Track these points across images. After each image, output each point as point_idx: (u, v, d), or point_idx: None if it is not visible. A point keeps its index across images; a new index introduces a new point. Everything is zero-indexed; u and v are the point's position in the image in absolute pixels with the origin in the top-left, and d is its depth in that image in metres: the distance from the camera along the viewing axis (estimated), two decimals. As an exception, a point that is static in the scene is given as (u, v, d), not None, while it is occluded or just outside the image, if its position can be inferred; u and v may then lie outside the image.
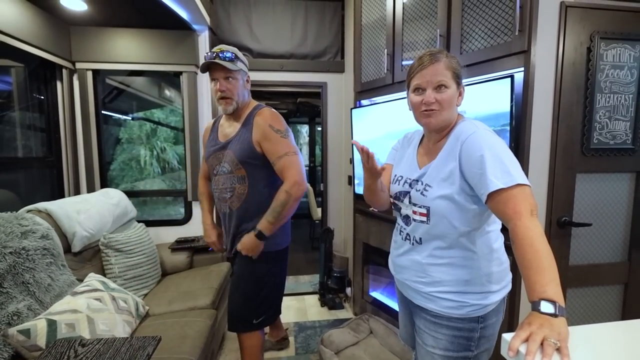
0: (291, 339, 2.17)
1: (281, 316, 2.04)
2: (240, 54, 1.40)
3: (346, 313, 2.56)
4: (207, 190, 1.66)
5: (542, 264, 0.68)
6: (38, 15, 1.92)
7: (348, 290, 2.66)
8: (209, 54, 1.32)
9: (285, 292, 1.78)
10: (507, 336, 0.63)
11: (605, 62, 1.36)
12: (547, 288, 0.65)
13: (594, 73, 1.35)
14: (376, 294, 2.35)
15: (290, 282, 3.10)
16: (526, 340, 0.59)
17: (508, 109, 1.30)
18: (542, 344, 0.58)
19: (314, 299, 2.78)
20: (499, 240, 0.93)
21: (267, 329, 1.83)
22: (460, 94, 0.91)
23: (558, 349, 0.57)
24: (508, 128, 1.31)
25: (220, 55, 1.31)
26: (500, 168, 0.77)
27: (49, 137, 2.19)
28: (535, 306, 0.64)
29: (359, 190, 2.25)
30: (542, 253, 0.69)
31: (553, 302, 0.63)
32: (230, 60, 1.32)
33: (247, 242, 1.36)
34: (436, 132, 0.93)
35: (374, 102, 2.16)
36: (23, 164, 2.10)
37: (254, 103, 1.46)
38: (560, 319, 0.62)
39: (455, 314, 0.89)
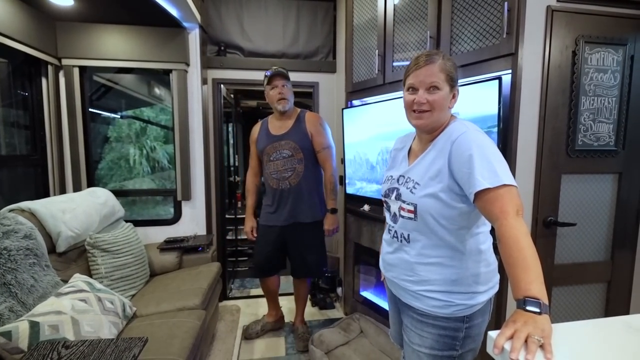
0: (282, 339, 2.17)
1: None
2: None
3: (337, 313, 2.57)
4: (254, 188, 2.15)
5: (526, 262, 0.69)
6: (22, 10, 1.87)
7: (339, 290, 2.67)
8: (272, 70, 1.90)
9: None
10: (492, 334, 0.64)
11: (589, 66, 1.39)
12: (531, 286, 0.66)
13: (579, 76, 1.38)
14: (367, 294, 2.36)
15: (281, 282, 3.08)
16: (511, 337, 0.60)
17: (496, 110, 1.32)
18: (526, 341, 0.59)
19: (304, 299, 2.77)
20: (487, 242, 0.94)
21: (266, 311, 2.32)
22: (454, 97, 0.92)
23: (542, 346, 0.58)
24: (496, 130, 1.33)
25: (280, 70, 1.90)
26: (488, 168, 0.78)
27: (33, 134, 2.14)
28: (519, 304, 0.66)
29: (350, 190, 2.26)
30: (527, 252, 0.70)
31: (537, 300, 0.64)
32: (287, 74, 1.92)
33: (330, 221, 1.96)
34: (426, 132, 0.94)
35: (365, 102, 2.17)
36: (6, 162, 2.04)
37: (298, 109, 2.01)
38: (544, 316, 0.63)
39: (441, 313, 0.90)
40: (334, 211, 1.94)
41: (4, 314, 1.15)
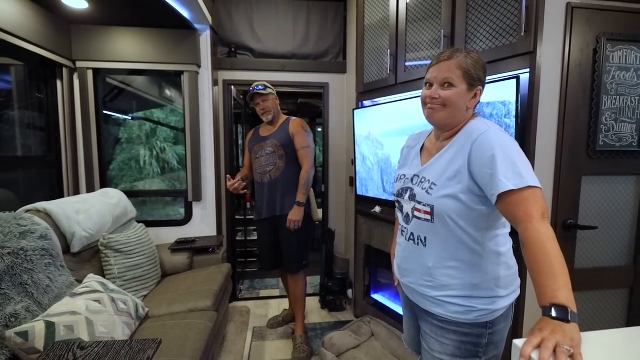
0: (291, 341, 2.15)
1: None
2: (268, 84, 2.07)
3: (347, 315, 2.55)
4: (246, 170, 2.24)
5: (553, 268, 0.66)
6: (38, 13, 1.90)
7: (349, 292, 2.64)
8: (251, 89, 2.04)
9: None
10: (518, 342, 0.61)
11: (611, 64, 1.34)
12: (558, 293, 0.64)
13: (600, 75, 1.34)
14: (377, 297, 2.33)
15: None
16: (538, 346, 0.58)
17: (513, 110, 1.29)
18: (554, 350, 0.56)
19: (314, 301, 2.76)
20: (507, 244, 0.91)
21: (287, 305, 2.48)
22: (476, 96, 0.89)
23: (571, 356, 0.56)
24: (513, 130, 1.30)
25: (257, 88, 2.03)
26: (512, 169, 0.76)
27: (48, 136, 2.17)
28: (546, 311, 0.63)
29: (361, 191, 2.24)
30: (554, 257, 0.67)
31: (565, 307, 0.62)
32: (263, 89, 2.03)
33: (294, 213, 2.00)
34: (438, 128, 0.93)
35: (376, 102, 2.15)
36: (22, 164, 2.08)
37: (285, 116, 2.16)
38: (572, 324, 0.60)
39: (463, 319, 0.87)
40: (299, 204, 2.02)
41: (20, 314, 1.16)
